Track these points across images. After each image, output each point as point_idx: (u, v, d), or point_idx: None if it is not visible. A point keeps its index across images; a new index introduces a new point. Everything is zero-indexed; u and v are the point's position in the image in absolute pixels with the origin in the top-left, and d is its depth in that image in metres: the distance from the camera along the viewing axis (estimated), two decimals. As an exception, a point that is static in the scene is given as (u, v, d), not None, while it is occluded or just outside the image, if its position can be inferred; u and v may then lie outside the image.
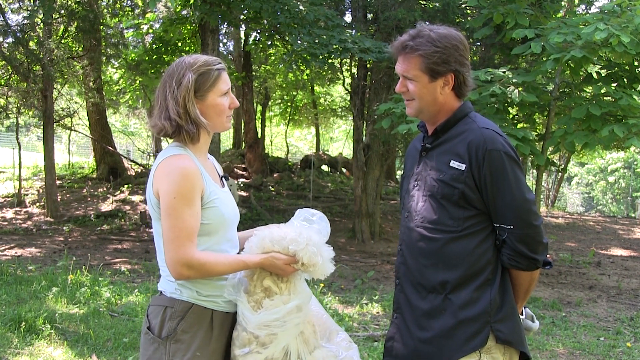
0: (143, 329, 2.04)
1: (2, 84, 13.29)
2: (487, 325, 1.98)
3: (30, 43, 12.23)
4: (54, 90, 13.51)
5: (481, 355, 1.98)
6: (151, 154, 22.40)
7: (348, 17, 12.30)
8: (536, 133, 8.78)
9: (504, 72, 7.49)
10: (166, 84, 2.02)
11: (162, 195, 1.92)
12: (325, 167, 20.09)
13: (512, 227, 1.96)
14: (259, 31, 12.22)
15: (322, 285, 6.94)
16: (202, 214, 1.96)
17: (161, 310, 1.99)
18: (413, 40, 2.02)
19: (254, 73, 17.66)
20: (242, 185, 15.53)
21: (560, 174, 21.43)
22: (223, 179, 2.18)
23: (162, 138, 2.21)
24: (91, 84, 14.83)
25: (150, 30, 13.60)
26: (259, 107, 20.82)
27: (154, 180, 1.97)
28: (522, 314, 2.16)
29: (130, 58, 14.67)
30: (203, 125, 2.01)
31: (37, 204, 13.77)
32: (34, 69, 12.44)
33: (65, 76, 13.62)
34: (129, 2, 14.04)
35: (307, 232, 2.02)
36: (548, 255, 2.07)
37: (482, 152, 1.96)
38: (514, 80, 7.35)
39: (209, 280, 1.99)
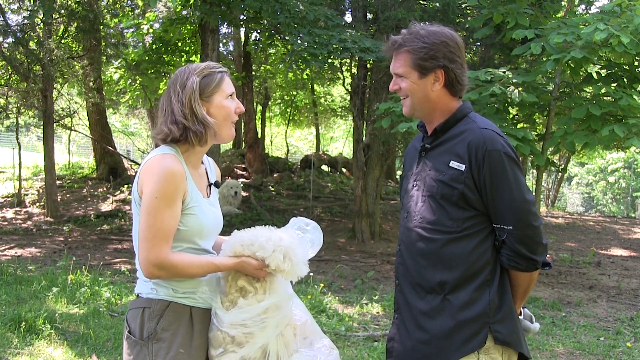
0: (124, 335, 2.03)
1: (2, 84, 13.28)
2: (486, 326, 1.98)
3: (30, 43, 12.21)
4: (54, 90, 13.49)
5: (480, 356, 1.98)
6: (151, 154, 22.32)
7: (348, 17, 12.28)
8: (536, 133, 8.77)
9: (504, 72, 7.48)
10: (170, 90, 2.02)
11: (145, 193, 1.91)
12: (325, 167, 20.05)
13: (511, 227, 1.96)
14: (259, 31, 12.21)
15: (322, 285, 6.94)
16: (180, 219, 1.96)
17: (139, 313, 1.99)
18: (402, 38, 2.05)
19: (254, 73, 17.63)
20: (242, 185, 15.52)
21: (560, 174, 21.41)
22: (212, 186, 2.16)
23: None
24: (91, 84, 14.82)
25: (150, 30, 13.59)
26: (259, 107, 20.80)
27: (139, 178, 1.97)
28: (520, 315, 2.16)
29: (130, 58, 14.64)
30: (210, 125, 2.00)
31: (37, 204, 13.76)
32: (34, 69, 12.43)
33: (65, 76, 13.61)
34: (129, 2, 14.03)
35: (276, 236, 2.01)
36: (548, 256, 2.07)
37: (482, 153, 1.96)
38: (514, 80, 7.34)
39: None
